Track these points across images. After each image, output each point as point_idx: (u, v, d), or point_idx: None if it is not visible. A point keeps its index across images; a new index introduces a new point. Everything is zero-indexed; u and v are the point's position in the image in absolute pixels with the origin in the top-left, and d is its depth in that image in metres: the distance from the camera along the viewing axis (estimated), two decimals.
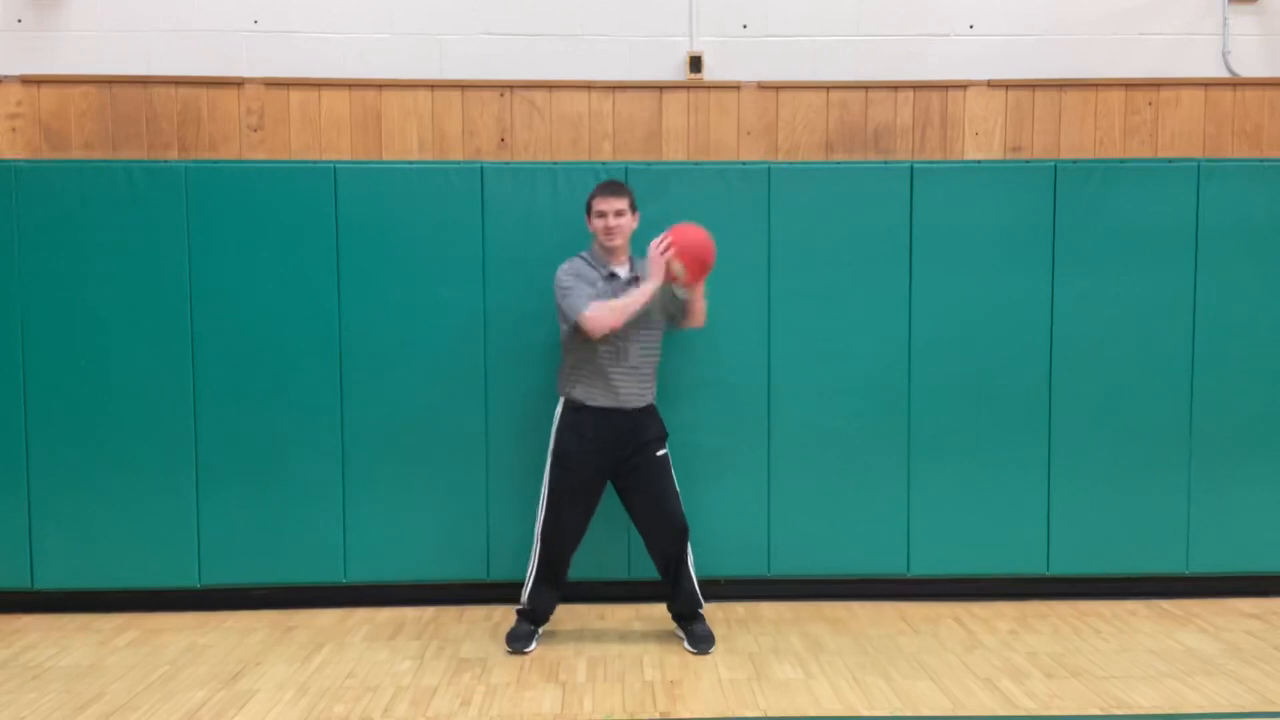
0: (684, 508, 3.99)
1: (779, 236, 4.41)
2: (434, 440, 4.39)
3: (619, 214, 3.89)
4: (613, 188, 3.95)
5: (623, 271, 3.94)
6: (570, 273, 3.90)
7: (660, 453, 3.99)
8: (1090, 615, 4.35)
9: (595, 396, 3.88)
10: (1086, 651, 3.95)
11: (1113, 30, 5.14)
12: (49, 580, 4.39)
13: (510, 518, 4.32)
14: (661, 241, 3.79)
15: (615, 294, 3.87)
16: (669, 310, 4.02)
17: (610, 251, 3.93)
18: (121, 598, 4.43)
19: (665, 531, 3.92)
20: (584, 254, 3.98)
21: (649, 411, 4.01)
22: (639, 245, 4.36)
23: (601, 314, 3.76)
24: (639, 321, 3.86)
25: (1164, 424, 4.48)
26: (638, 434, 3.94)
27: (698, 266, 3.82)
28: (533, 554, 3.99)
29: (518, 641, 3.96)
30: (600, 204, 3.91)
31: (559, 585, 4.04)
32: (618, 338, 3.84)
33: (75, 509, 4.35)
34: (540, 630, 4.07)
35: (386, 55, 5.00)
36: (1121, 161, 4.54)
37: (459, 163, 4.66)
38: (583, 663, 3.86)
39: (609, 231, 3.88)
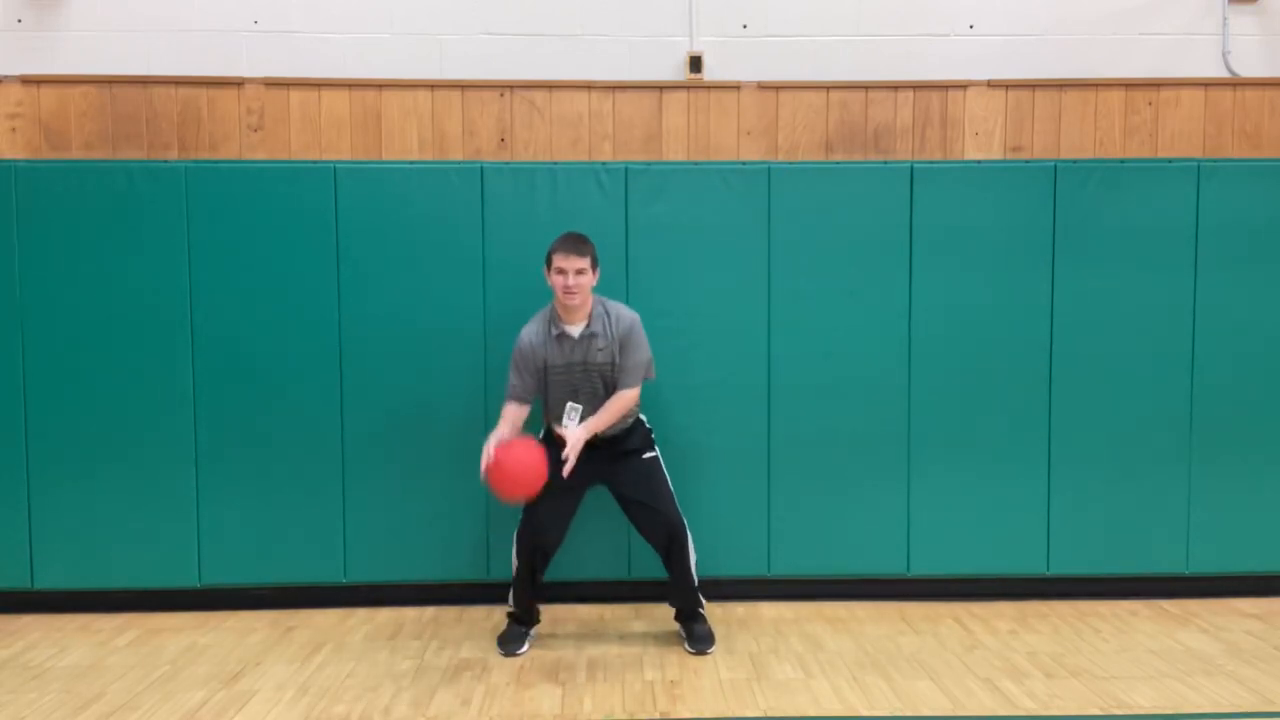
0: (684, 507, 3.99)
1: (779, 236, 4.41)
2: (434, 440, 4.38)
3: (579, 273, 3.77)
4: (574, 244, 3.80)
5: (576, 330, 3.85)
6: (520, 349, 3.86)
7: (647, 455, 3.99)
8: (1090, 615, 4.35)
9: (565, 428, 3.88)
10: (1086, 651, 3.95)
11: (1113, 30, 5.14)
12: (49, 580, 4.39)
13: (510, 518, 4.29)
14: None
15: (565, 355, 3.84)
16: (607, 384, 3.91)
17: (568, 309, 3.84)
18: (121, 598, 4.43)
19: (657, 531, 3.92)
20: (548, 309, 3.92)
21: (630, 430, 4.00)
22: (641, 248, 4.37)
23: (503, 412, 3.87)
24: (576, 394, 3.86)
25: (1164, 424, 4.47)
26: (619, 445, 3.96)
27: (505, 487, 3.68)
28: (513, 555, 3.99)
29: (509, 644, 3.96)
30: (560, 261, 3.77)
31: (536, 586, 4.02)
32: (565, 405, 3.87)
33: (75, 509, 4.35)
34: (532, 631, 4.08)
35: (386, 55, 5.00)
36: (1121, 161, 4.53)
37: (459, 163, 4.66)
38: (583, 663, 3.86)
39: (568, 291, 3.77)
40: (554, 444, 3.87)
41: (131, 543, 4.36)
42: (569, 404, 3.87)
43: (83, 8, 4.93)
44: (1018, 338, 4.45)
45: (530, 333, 3.89)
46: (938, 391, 4.45)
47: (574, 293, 3.78)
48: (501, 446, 3.66)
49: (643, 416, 4.08)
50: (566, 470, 3.72)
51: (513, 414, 3.86)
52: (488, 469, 3.63)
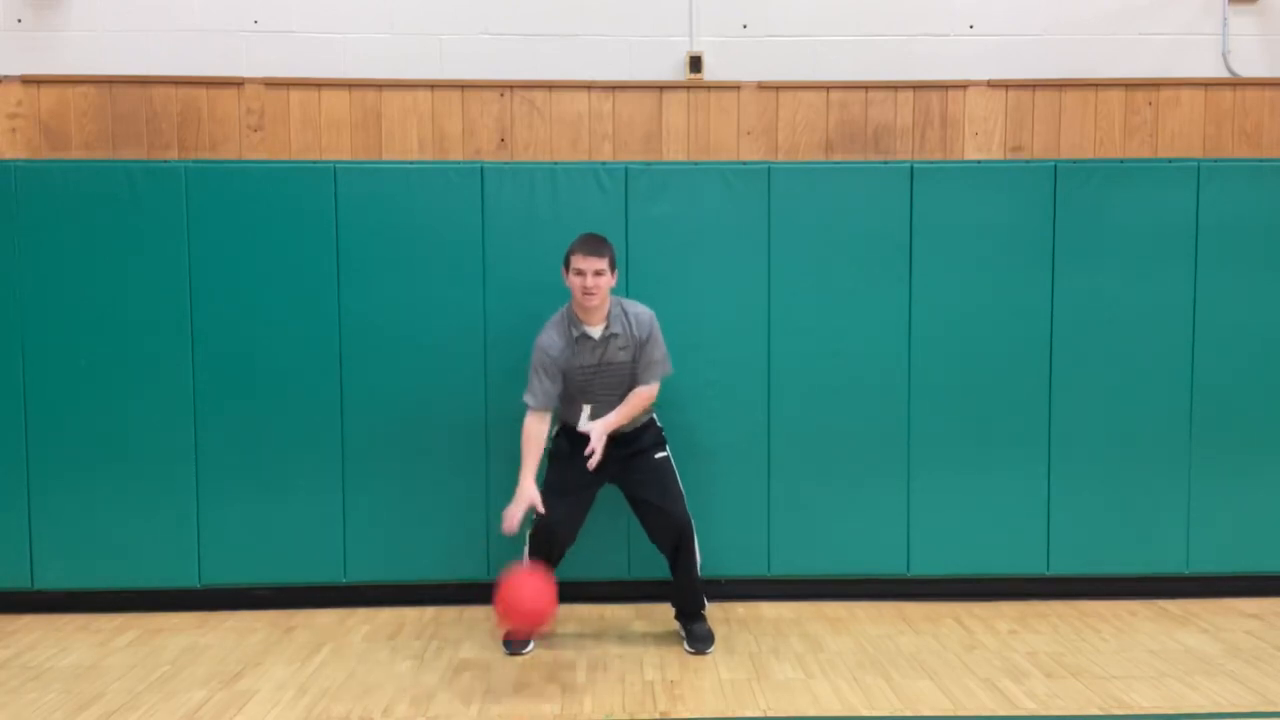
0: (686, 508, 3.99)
1: (779, 236, 4.41)
2: (434, 440, 4.38)
3: (598, 274, 3.76)
4: (593, 245, 3.80)
5: (596, 332, 3.85)
6: (541, 350, 3.85)
7: (659, 455, 4.00)
8: (1090, 615, 4.35)
9: (584, 425, 3.90)
10: (1086, 651, 3.95)
11: (1113, 30, 5.14)
12: (49, 580, 4.39)
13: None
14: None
15: (583, 357, 3.84)
16: (624, 382, 3.92)
17: (587, 311, 3.83)
18: (121, 598, 4.43)
19: (665, 530, 3.92)
20: (565, 311, 3.92)
21: (643, 428, 4.02)
22: (642, 248, 4.37)
23: (525, 427, 3.82)
24: (593, 393, 3.87)
25: (1164, 424, 4.47)
26: (633, 443, 3.97)
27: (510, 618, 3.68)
28: (524, 553, 3.99)
29: (516, 644, 3.96)
30: (579, 262, 3.77)
31: None
32: (578, 403, 3.89)
33: (75, 509, 4.35)
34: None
35: (386, 55, 5.00)
36: (1121, 161, 4.54)
37: (459, 163, 4.66)
38: (583, 663, 3.86)
39: (587, 292, 3.77)
40: (569, 443, 3.90)
41: (131, 543, 4.36)
42: (582, 405, 3.89)
43: (83, 8, 4.93)
44: (1018, 338, 4.45)
45: (550, 336, 3.88)
46: (938, 391, 4.44)
47: (593, 294, 3.78)
48: (516, 579, 3.63)
49: (655, 415, 4.08)
50: (592, 464, 3.77)
51: (535, 431, 3.84)
52: (498, 593, 3.61)
